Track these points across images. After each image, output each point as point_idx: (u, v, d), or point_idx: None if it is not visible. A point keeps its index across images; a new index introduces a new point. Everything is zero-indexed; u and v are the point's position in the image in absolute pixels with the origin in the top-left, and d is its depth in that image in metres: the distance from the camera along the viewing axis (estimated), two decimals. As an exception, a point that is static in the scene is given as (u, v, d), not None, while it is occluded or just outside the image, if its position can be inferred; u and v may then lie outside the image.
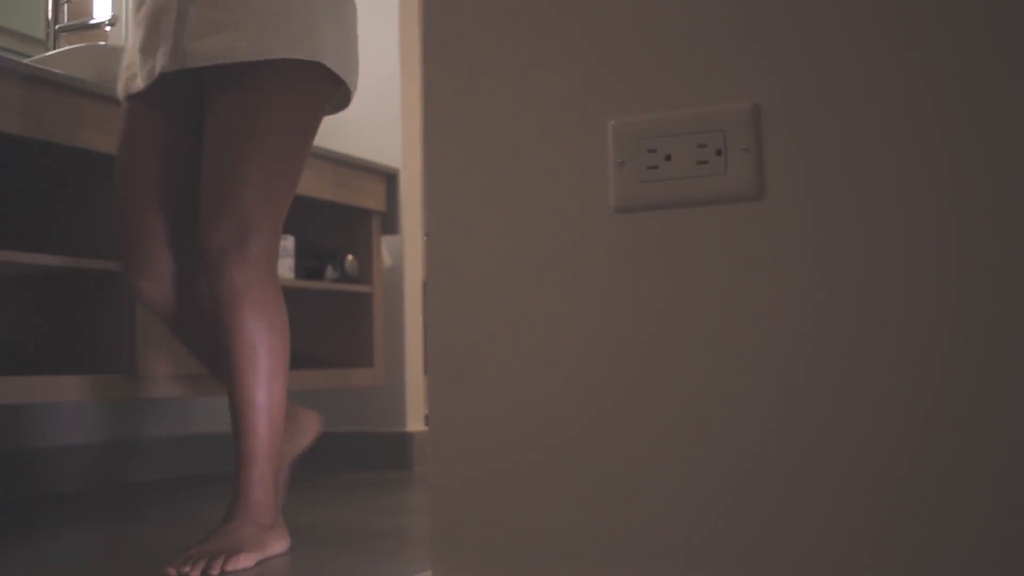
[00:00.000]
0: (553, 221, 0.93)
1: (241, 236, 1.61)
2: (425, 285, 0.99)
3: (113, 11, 2.77)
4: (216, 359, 1.73)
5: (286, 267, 2.70)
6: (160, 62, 1.65)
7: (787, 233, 0.85)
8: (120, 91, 1.76)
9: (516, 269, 0.94)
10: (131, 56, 1.74)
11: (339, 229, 2.93)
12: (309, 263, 2.87)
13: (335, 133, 3.14)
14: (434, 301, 0.98)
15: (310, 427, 1.86)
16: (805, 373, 0.84)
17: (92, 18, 2.63)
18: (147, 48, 1.68)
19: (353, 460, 3.05)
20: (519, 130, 0.95)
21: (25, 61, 2.10)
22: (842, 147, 0.84)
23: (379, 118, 3.10)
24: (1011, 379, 0.78)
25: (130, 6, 1.77)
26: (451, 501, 0.96)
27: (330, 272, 2.85)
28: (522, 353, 0.94)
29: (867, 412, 0.82)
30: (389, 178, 2.95)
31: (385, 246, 3.05)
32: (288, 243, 2.71)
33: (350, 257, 2.85)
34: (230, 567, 1.50)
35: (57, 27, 2.58)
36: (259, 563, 1.57)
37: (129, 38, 1.76)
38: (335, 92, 1.76)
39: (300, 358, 2.96)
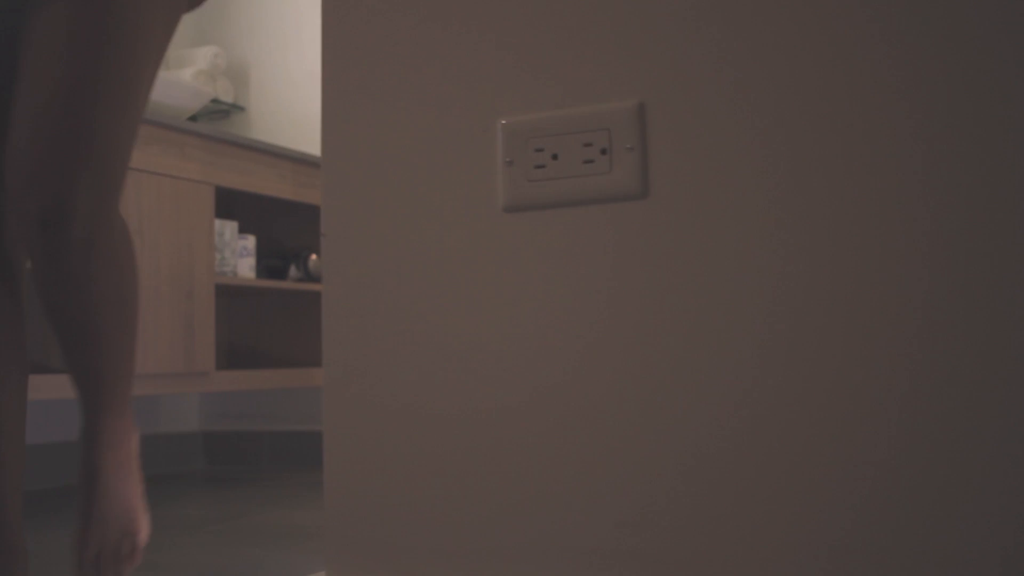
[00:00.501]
0: (444, 221, 0.93)
1: (103, 194, 1.27)
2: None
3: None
4: None
5: (247, 267, 2.70)
6: None
7: (670, 232, 0.85)
8: None
9: (409, 269, 0.94)
10: None
11: (302, 228, 2.93)
12: (272, 262, 2.87)
13: (296, 131, 3.13)
14: (329, 301, 0.97)
15: None
16: (691, 369, 0.84)
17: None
18: None
19: (317, 459, 3.05)
20: (412, 130, 0.95)
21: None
22: (726, 145, 0.83)
23: (345, 117, 3.09)
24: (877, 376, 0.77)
25: None
26: (345, 501, 0.95)
27: (293, 272, 2.85)
28: (415, 353, 0.93)
29: (763, 410, 0.82)
30: (353, 177, 2.95)
31: (350, 245, 3.04)
32: (249, 242, 2.70)
33: (313, 256, 2.85)
34: (139, 559, 1.37)
35: None
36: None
37: None
38: None
39: (264, 357, 2.95)
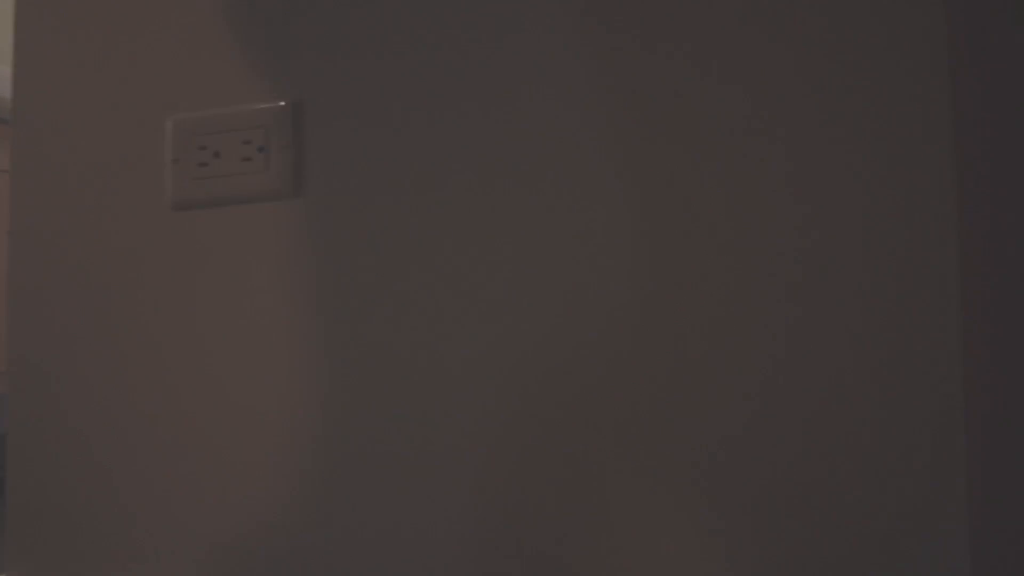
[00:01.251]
0: (118, 220, 0.93)
1: None
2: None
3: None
4: None
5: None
6: None
7: (322, 230, 0.86)
8: None
9: (85, 269, 0.94)
10: None
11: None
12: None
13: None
14: (14, 301, 0.96)
15: None
16: (352, 367, 0.84)
17: None
18: None
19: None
20: (91, 129, 0.94)
21: None
22: (381, 142, 0.84)
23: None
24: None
25: None
26: (28, 503, 0.95)
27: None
28: (95, 354, 0.93)
29: (410, 409, 0.83)
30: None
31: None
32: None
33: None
34: None
35: None
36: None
37: None
38: None
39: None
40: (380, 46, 0.85)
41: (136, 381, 0.91)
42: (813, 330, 0.72)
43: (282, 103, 0.87)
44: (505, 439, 0.79)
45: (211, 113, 0.89)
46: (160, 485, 0.90)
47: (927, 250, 0.69)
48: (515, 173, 0.80)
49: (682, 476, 0.74)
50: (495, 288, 0.80)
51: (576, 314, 0.78)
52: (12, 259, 0.97)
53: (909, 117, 0.70)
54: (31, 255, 0.96)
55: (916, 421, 0.69)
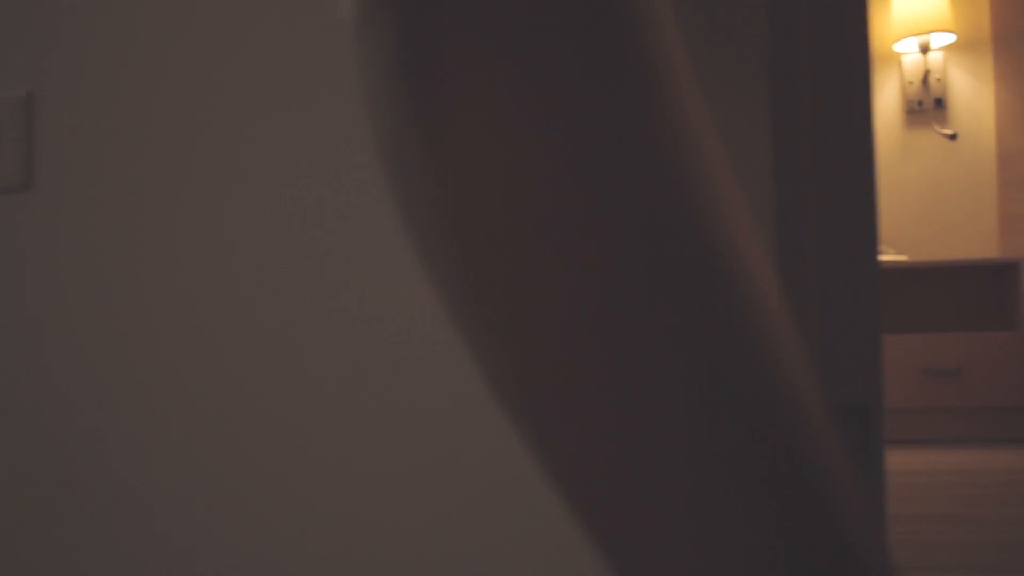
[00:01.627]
0: None
1: None
2: None
3: None
4: None
5: None
6: None
7: (55, 224, 0.84)
8: None
9: None
10: None
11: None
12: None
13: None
14: None
15: None
16: (87, 357, 0.83)
17: None
18: None
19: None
20: None
21: None
22: (117, 137, 0.83)
23: None
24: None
25: None
26: None
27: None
28: None
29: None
30: None
31: None
32: None
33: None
34: None
35: None
36: None
37: None
38: None
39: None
40: (111, 40, 0.83)
41: None
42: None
43: (16, 94, 0.84)
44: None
45: (-60, 100, 0.86)
46: None
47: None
48: (235, 162, 0.80)
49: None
50: (223, 280, 0.80)
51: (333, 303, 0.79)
52: None
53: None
54: None
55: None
